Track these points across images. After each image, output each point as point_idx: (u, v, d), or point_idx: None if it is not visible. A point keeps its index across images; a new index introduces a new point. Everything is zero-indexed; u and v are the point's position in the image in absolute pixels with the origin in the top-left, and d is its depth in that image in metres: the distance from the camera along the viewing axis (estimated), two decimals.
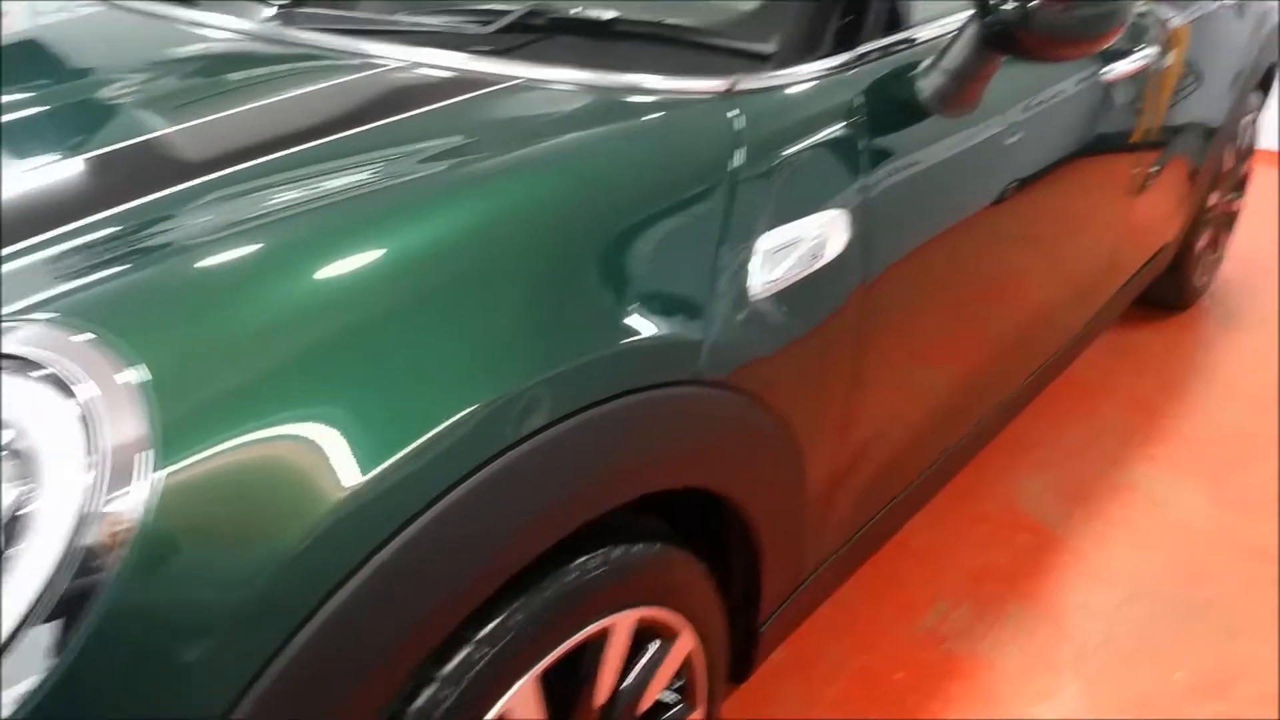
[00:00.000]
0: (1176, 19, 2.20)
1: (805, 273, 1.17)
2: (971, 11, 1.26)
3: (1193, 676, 1.75)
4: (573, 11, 1.29)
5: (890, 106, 1.32)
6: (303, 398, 0.77)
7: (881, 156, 1.29)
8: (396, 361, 0.82)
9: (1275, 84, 3.00)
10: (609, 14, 1.28)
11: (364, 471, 0.76)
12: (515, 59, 1.25)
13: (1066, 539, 2.08)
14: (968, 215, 1.51)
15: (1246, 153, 2.99)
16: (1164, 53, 2.11)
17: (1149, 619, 1.86)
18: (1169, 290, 2.91)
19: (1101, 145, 1.97)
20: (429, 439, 0.80)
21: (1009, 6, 1.23)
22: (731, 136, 1.13)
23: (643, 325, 1.00)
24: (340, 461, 0.76)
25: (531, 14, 1.30)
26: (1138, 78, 1.97)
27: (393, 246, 0.88)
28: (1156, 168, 2.26)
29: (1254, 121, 2.93)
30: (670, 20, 1.29)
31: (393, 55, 1.27)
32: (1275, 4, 2.75)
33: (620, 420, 0.99)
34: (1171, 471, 2.31)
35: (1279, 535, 2.11)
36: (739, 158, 1.12)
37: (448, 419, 0.81)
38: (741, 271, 1.10)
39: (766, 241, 1.12)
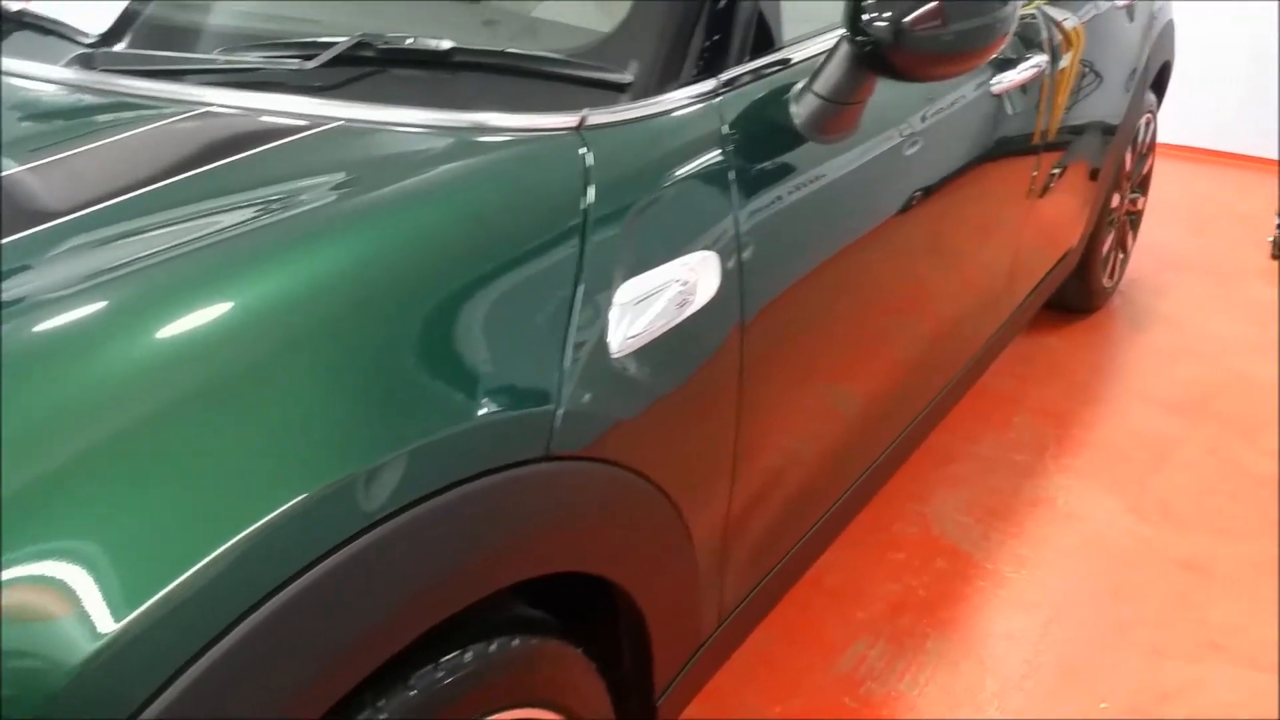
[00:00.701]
0: (1070, 20, 2.16)
1: (672, 323, 1.07)
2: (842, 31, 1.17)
3: (1119, 705, 1.68)
4: (407, 42, 1.17)
5: (762, 134, 1.23)
6: (93, 501, 0.67)
7: (754, 188, 1.19)
8: (203, 453, 0.71)
9: (1169, 82, 2.99)
10: (447, 44, 1.16)
11: (168, 579, 0.66)
12: (337, 97, 1.12)
13: (984, 561, 2.01)
14: (856, 239, 1.43)
15: (1146, 151, 2.98)
16: (1058, 56, 2.06)
17: (1072, 644, 1.80)
18: (1076, 294, 2.88)
19: (998, 152, 1.91)
20: (244, 538, 0.70)
21: (879, 25, 1.14)
22: (581, 178, 1.02)
23: (486, 398, 0.89)
24: (136, 572, 0.66)
25: (359, 46, 1.17)
26: (1032, 83, 1.92)
27: (183, 324, 0.76)
28: (1057, 171, 2.22)
29: (1151, 120, 2.92)
30: (516, 50, 1.17)
31: (195, 98, 1.13)
32: (1165, 2, 2.73)
33: (470, 506, 0.88)
34: (1087, 482, 2.26)
35: (1203, 543, 2.07)
36: (590, 201, 1.01)
37: (261, 517, 0.71)
38: (597, 328, 0.99)
39: (626, 292, 1.02)
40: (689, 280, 1.09)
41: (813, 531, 1.55)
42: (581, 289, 0.98)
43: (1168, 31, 2.78)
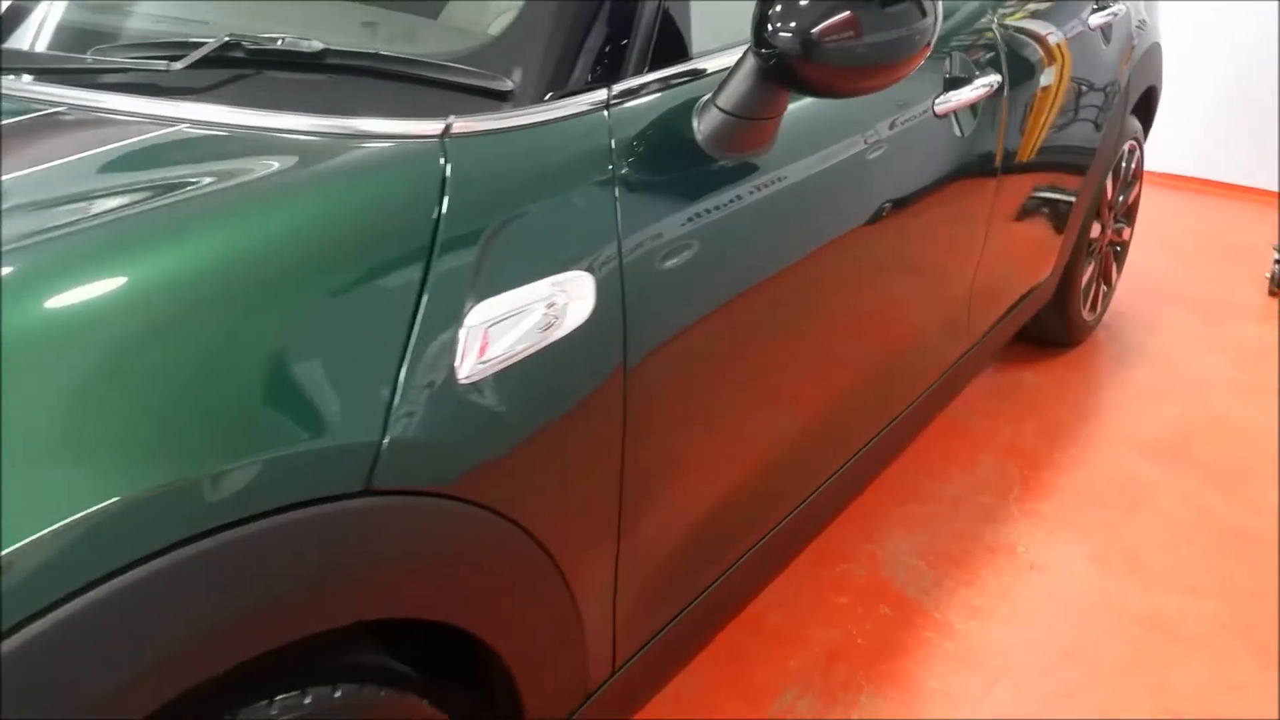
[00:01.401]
0: (1031, 43, 2.06)
1: (535, 348, 0.98)
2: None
3: None
4: (277, 43, 1.09)
5: (660, 149, 1.14)
6: None
7: (645, 208, 1.10)
8: None
9: (1157, 108, 2.89)
10: (317, 45, 1.08)
11: None
12: (201, 99, 1.05)
13: (933, 610, 1.90)
14: (775, 268, 1.33)
15: (1132, 180, 2.88)
16: (1021, 76, 1.97)
17: (1012, 707, 1.68)
18: (1054, 327, 2.77)
19: (947, 176, 1.82)
20: (30, 544, 0.66)
21: (785, 36, 1.05)
22: (436, 188, 0.93)
23: (303, 422, 0.81)
24: None
25: (228, 47, 1.10)
26: (985, 103, 1.82)
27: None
28: (1021, 197, 2.12)
29: (1137, 148, 2.81)
30: (387, 53, 1.09)
31: (54, 98, 1.06)
32: (1148, 26, 2.63)
33: (277, 539, 0.80)
34: (1053, 529, 2.14)
35: (1169, 601, 1.95)
36: (442, 213, 0.92)
37: (48, 525, 0.67)
38: (440, 351, 0.90)
39: (479, 313, 0.93)
40: (556, 302, 1.00)
41: (727, 576, 1.45)
42: (423, 308, 0.89)
43: (1152, 56, 2.67)
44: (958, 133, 1.74)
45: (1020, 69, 1.98)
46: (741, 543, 1.47)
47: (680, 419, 1.22)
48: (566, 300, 1.01)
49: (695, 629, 1.44)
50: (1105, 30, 2.38)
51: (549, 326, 0.99)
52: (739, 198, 1.23)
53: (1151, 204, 3.15)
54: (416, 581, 0.94)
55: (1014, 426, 2.52)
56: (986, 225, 1.98)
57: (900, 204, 1.59)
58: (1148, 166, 2.99)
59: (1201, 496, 2.26)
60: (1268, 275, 3.33)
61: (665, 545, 1.29)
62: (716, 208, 1.19)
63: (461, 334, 0.91)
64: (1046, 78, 2.09)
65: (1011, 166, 2.00)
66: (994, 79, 1.83)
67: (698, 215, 1.17)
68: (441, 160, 0.95)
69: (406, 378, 0.87)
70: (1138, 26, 2.59)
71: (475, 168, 0.97)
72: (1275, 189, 4.17)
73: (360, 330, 0.86)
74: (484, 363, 0.93)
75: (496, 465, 0.97)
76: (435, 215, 0.92)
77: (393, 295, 0.88)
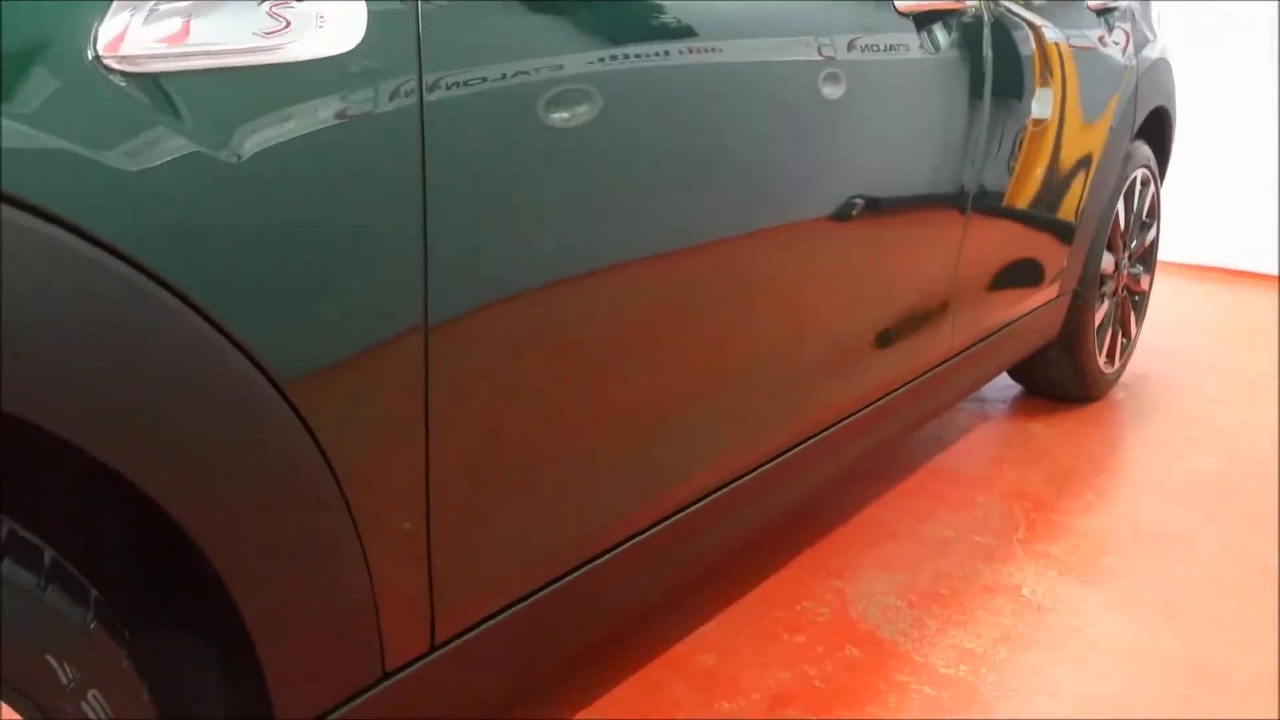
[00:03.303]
0: (1045, 28, 1.81)
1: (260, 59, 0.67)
2: None
3: None
4: None
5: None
6: None
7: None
8: None
9: (1172, 136, 2.61)
10: None
11: None
12: None
13: (912, 652, 1.50)
14: (656, 233, 1.07)
15: (1148, 218, 2.58)
16: (1009, 60, 1.71)
17: None
18: (1065, 376, 2.43)
19: (925, 126, 1.54)
20: None
21: None
22: None
23: None
24: None
25: None
26: (972, 70, 1.56)
27: None
28: (1010, 193, 1.83)
29: (1151, 180, 2.53)
30: None
31: None
32: (1152, 39, 2.39)
33: None
34: (1065, 571, 1.75)
35: (1212, 650, 1.54)
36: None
37: None
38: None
39: None
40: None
41: (584, 574, 1.09)
42: None
43: (1160, 71, 2.42)
44: (932, 77, 1.48)
45: (1006, 49, 1.72)
46: (601, 537, 1.12)
47: (496, 400, 0.93)
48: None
49: (549, 629, 1.08)
50: (1107, 19, 2.13)
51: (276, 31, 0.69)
52: (623, 117, 0.96)
53: (1162, 291, 2.84)
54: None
55: (1019, 472, 2.15)
56: (964, 223, 1.69)
57: (839, 171, 1.33)
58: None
59: (1246, 545, 1.87)
60: None
61: (495, 516, 0.96)
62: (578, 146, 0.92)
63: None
64: (1035, 66, 1.83)
65: (991, 154, 1.72)
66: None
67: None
68: None
69: None
70: (1142, 29, 2.35)
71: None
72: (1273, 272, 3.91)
73: None
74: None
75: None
76: None
77: None
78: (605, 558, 1.12)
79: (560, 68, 0.90)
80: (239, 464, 0.72)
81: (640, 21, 1.00)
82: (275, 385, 0.72)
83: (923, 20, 1.46)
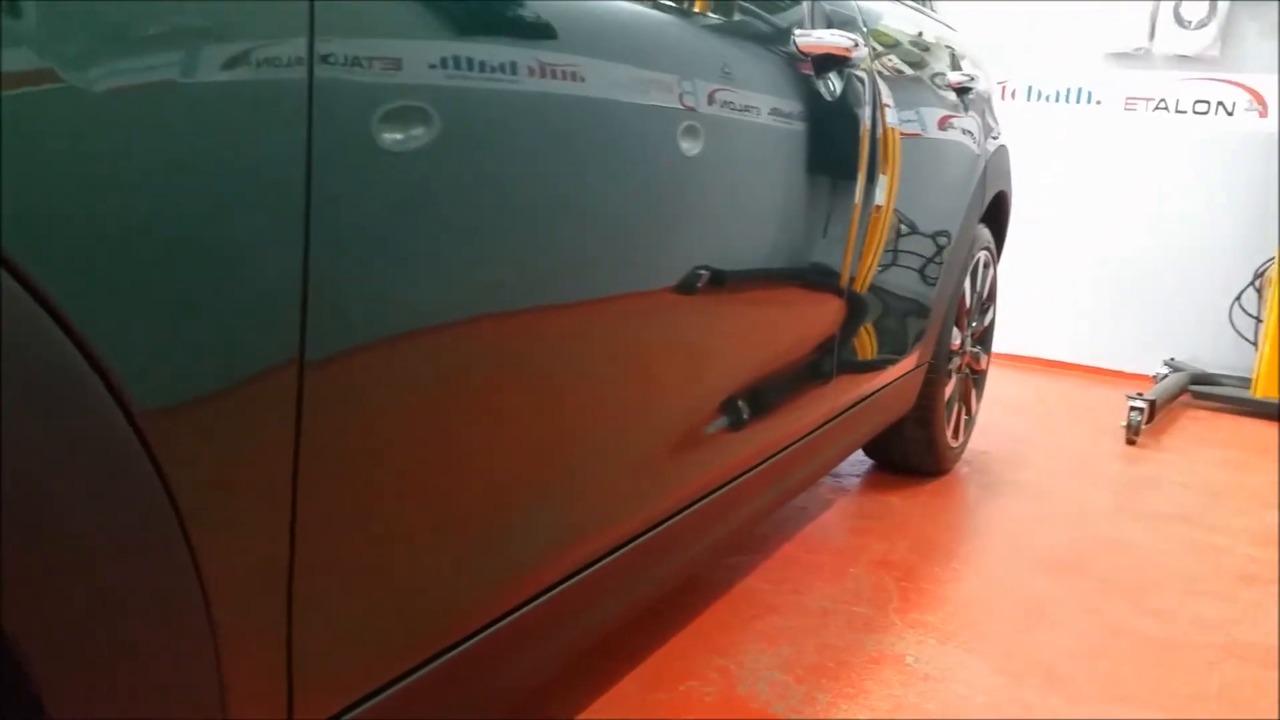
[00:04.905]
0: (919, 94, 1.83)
1: None
2: None
3: None
4: None
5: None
6: None
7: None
8: None
9: (1008, 220, 2.74)
10: None
11: None
12: None
13: None
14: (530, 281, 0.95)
15: (987, 300, 2.68)
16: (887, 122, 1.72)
17: None
18: (919, 449, 2.45)
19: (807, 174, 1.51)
20: None
21: None
22: None
23: None
24: None
25: None
26: (855, 126, 1.54)
27: None
28: (888, 250, 1.84)
29: (991, 262, 2.63)
30: None
31: None
32: (992, 123, 2.51)
33: None
34: (945, 640, 1.71)
35: (1100, 711, 1.51)
36: None
37: None
38: None
39: None
40: None
41: (465, 651, 0.95)
42: None
43: (1001, 157, 2.54)
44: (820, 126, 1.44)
45: (885, 116, 1.74)
46: (483, 609, 0.98)
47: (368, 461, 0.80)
48: None
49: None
50: (964, 99, 2.21)
51: None
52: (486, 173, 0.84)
53: (990, 376, 2.96)
54: None
55: (885, 543, 2.12)
56: (846, 288, 1.66)
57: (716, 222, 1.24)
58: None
59: (1109, 609, 1.88)
60: (1124, 424, 3.14)
61: (365, 591, 0.82)
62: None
63: None
64: (911, 136, 1.86)
65: (869, 218, 1.72)
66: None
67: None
68: None
69: None
70: (989, 113, 2.46)
71: None
72: (1095, 364, 4.17)
73: None
74: None
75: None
76: None
77: None
78: (475, 639, 0.97)
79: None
80: (77, 524, 0.56)
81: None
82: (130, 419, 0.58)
83: (821, 66, 1.43)
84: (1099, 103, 4.08)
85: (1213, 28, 3.78)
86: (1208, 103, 3.88)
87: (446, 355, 0.86)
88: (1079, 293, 4.19)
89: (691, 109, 1.11)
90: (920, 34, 2.07)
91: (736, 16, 1.25)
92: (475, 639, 0.96)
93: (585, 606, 1.15)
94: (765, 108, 1.29)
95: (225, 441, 0.66)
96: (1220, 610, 1.91)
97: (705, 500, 1.38)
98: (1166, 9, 3.83)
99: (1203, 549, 2.23)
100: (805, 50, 1.38)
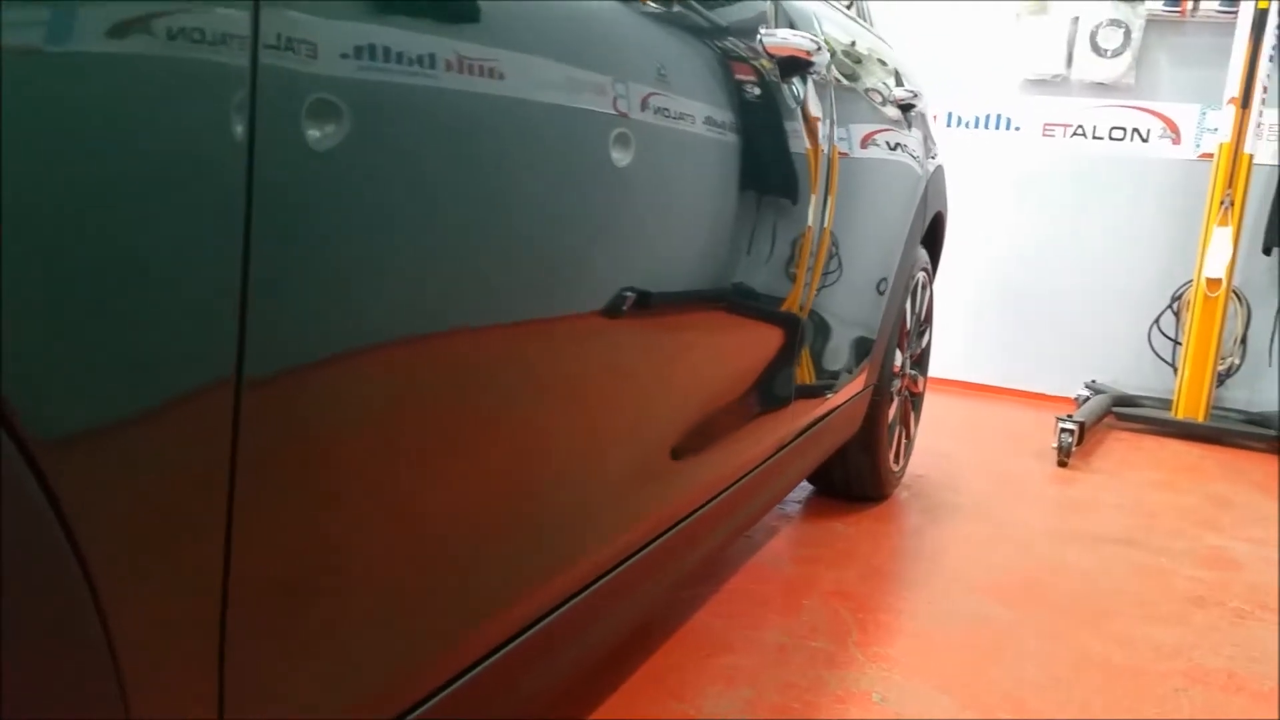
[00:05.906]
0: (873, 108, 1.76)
1: None
2: None
3: None
4: None
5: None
6: None
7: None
8: None
9: (944, 241, 2.71)
10: None
11: None
12: None
13: None
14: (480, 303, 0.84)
15: (924, 322, 2.64)
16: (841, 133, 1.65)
17: None
18: (862, 473, 2.39)
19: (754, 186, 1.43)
20: None
21: None
22: None
23: None
24: None
25: None
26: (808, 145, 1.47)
27: None
28: (839, 268, 1.77)
29: (928, 285, 2.60)
30: None
31: None
32: (933, 140, 2.48)
33: None
34: (909, 675, 1.62)
35: None
36: None
37: None
38: None
39: None
40: None
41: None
42: None
43: (939, 178, 2.51)
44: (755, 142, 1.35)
45: (839, 134, 1.67)
46: (419, 683, 0.85)
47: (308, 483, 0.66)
48: None
49: None
50: (907, 115, 2.16)
51: None
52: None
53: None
54: None
55: (835, 572, 2.04)
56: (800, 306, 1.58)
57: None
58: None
59: (1069, 635, 1.83)
60: (1054, 446, 3.14)
61: (307, 651, 0.69)
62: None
63: None
64: (862, 154, 1.80)
65: (824, 234, 1.64)
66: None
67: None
68: None
69: None
70: (930, 134, 2.43)
71: None
72: (1016, 387, 4.21)
73: None
74: None
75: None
76: None
77: None
78: (456, 687, 0.86)
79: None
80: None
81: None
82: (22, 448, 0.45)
83: (786, 69, 1.35)
84: (1018, 129, 4.13)
85: (1127, 56, 3.86)
86: (1124, 129, 3.95)
87: (410, 372, 0.74)
88: (1000, 316, 4.22)
89: (627, 116, 1.00)
90: (867, 47, 2.02)
91: (702, 8, 1.16)
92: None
93: (526, 672, 1.02)
94: (728, 113, 1.20)
95: (143, 478, 0.53)
96: (1176, 635, 1.87)
97: (660, 540, 1.27)
98: (1084, 36, 3.91)
99: (1149, 572, 2.21)
100: (771, 51, 1.30)
